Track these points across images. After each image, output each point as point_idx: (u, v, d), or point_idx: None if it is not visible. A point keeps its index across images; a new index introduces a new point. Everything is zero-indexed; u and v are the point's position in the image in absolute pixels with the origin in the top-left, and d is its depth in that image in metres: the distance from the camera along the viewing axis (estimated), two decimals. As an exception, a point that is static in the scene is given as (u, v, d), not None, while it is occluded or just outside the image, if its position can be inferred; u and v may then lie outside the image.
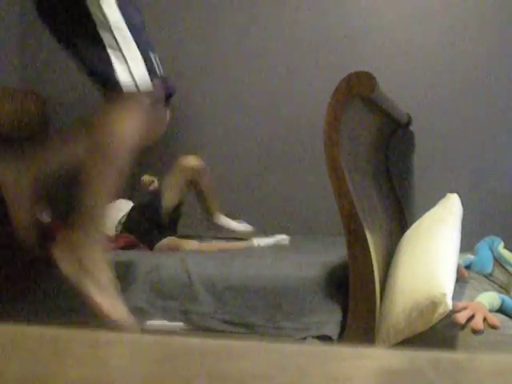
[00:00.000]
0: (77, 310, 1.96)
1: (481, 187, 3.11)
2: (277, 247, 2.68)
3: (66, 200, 2.15)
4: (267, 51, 3.40)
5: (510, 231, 2.88)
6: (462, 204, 2.29)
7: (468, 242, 2.36)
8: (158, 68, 1.67)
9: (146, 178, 2.99)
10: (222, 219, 2.95)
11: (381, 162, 3.01)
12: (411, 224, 2.40)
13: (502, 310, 1.74)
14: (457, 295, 1.78)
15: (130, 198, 2.93)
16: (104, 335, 0.35)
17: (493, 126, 3.13)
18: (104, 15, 1.56)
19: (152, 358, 0.32)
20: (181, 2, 3.51)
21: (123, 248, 2.56)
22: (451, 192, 2.42)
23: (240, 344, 0.35)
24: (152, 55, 1.66)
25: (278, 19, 3.39)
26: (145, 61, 1.60)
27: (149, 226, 2.74)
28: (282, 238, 2.81)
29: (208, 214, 2.94)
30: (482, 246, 2.42)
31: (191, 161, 2.85)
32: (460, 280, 2.07)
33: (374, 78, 1.85)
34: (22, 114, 3.34)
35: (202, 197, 2.92)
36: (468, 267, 2.32)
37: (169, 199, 2.82)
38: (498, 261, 2.31)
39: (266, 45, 3.41)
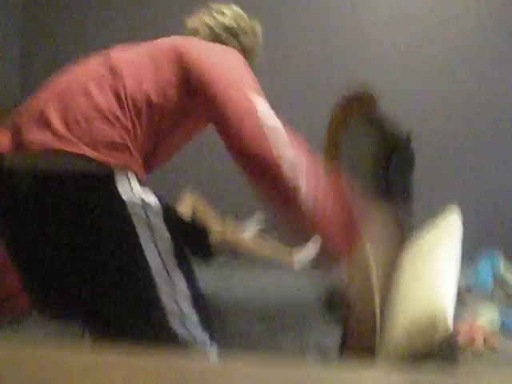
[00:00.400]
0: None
1: (480, 200, 3.11)
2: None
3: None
4: (265, 60, 3.41)
5: (509, 243, 2.87)
6: (462, 216, 2.29)
7: (468, 254, 2.35)
8: None
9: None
10: (302, 260, 2.94)
11: (380, 179, 3.00)
12: (410, 238, 2.39)
13: (501, 331, 1.73)
14: (457, 316, 1.77)
15: None
16: (104, 358, 0.35)
17: (492, 138, 3.14)
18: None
19: (150, 379, 0.32)
20: (181, 4, 3.53)
21: None
22: (451, 204, 2.42)
23: (238, 365, 0.35)
24: None
25: (278, 32, 3.41)
26: None
27: None
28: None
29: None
30: (483, 265, 2.42)
31: (190, 198, 2.88)
32: (460, 300, 2.06)
33: (374, 97, 1.86)
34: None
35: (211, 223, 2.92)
36: (468, 287, 2.31)
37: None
38: (499, 281, 2.31)
39: (264, 52, 3.41)
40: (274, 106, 1.10)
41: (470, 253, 2.41)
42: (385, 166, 3.14)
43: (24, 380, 0.31)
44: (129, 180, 1.06)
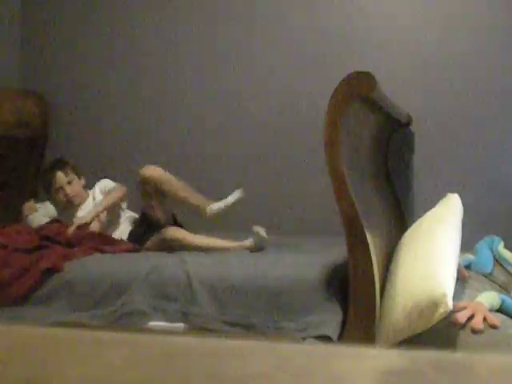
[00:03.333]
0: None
1: (481, 187, 3.11)
2: (273, 246, 2.68)
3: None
4: (268, 52, 3.40)
5: (509, 231, 2.88)
6: (462, 204, 2.29)
7: (468, 242, 2.36)
8: None
9: (27, 205, 2.89)
10: (214, 208, 2.64)
11: (381, 162, 3.01)
12: (411, 224, 2.40)
13: (502, 310, 1.74)
14: (457, 295, 1.78)
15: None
16: (105, 335, 0.35)
17: (493, 125, 3.13)
18: None
19: (152, 358, 0.32)
20: (181, 3, 3.51)
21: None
22: (451, 192, 2.42)
23: (240, 344, 0.35)
24: None
25: (278, 20, 3.39)
26: None
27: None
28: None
29: (200, 211, 2.67)
30: (482, 245, 2.42)
31: (148, 171, 2.63)
32: (460, 280, 2.07)
33: (373, 78, 1.85)
34: (22, 114, 3.34)
35: (179, 201, 2.69)
36: (468, 267, 2.32)
37: (158, 214, 2.70)
38: (498, 261, 2.31)
39: (267, 45, 3.40)
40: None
41: (470, 240, 2.41)
42: (385, 147, 3.14)
43: (24, 357, 0.32)
44: None
